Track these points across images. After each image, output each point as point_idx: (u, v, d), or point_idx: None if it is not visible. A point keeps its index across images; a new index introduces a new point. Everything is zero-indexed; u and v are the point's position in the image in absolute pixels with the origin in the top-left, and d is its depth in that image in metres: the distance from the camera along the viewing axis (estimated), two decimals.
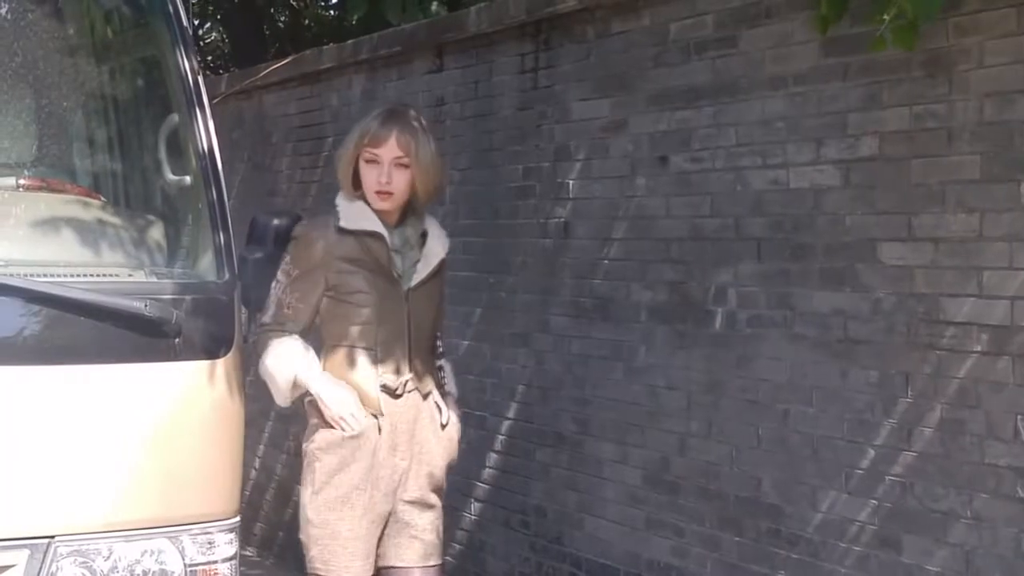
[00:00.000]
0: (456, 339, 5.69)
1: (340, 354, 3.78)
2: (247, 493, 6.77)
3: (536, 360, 5.24)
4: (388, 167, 3.78)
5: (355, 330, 3.76)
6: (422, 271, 3.86)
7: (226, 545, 3.37)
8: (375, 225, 3.78)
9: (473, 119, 5.57)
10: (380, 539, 3.83)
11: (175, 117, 3.64)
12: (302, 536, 3.78)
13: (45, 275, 3.24)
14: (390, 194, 3.79)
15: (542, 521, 5.23)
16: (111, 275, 3.38)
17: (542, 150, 5.18)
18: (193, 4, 3.94)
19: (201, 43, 11.55)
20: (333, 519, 3.71)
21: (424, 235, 3.91)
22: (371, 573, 3.78)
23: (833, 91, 3.96)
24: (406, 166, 3.80)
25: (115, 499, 3.21)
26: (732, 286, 4.33)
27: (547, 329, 5.17)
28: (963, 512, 3.63)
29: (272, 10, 10.38)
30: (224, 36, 11.68)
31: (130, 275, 3.42)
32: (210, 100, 3.67)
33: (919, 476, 3.74)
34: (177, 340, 3.32)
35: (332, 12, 10.49)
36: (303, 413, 3.91)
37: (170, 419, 3.31)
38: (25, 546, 3.11)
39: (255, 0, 9.80)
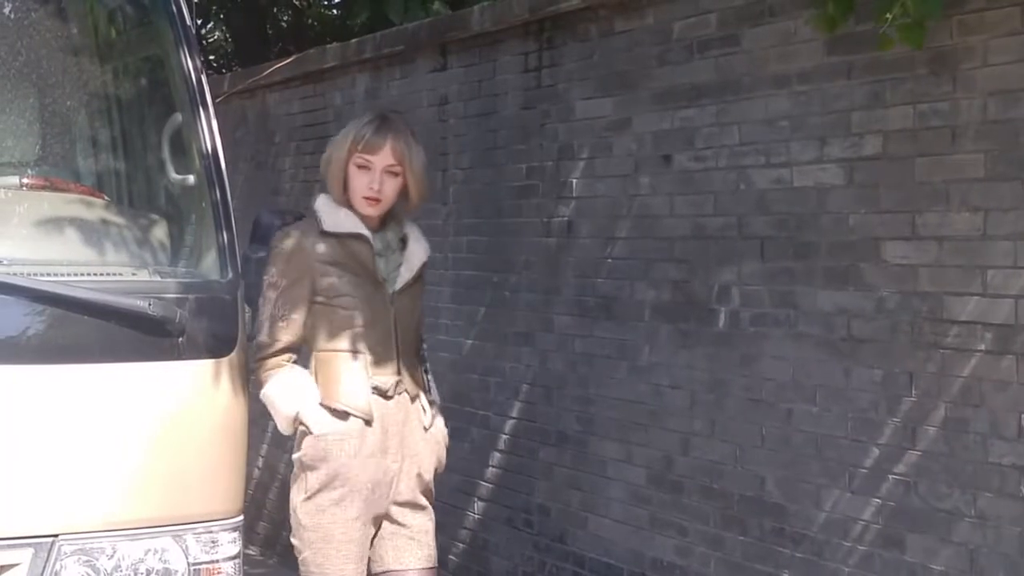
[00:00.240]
0: (459, 338, 5.69)
1: (329, 360, 3.76)
2: (250, 492, 6.77)
3: (540, 359, 5.24)
4: (380, 174, 3.79)
5: (343, 334, 3.74)
6: (405, 275, 3.86)
7: (229, 544, 3.37)
8: (359, 227, 3.78)
9: (476, 118, 5.57)
10: (372, 542, 3.82)
11: (178, 116, 3.64)
12: (294, 540, 3.76)
13: (49, 274, 3.24)
14: (378, 201, 3.79)
15: (546, 520, 5.23)
16: (115, 274, 3.38)
17: (545, 149, 5.18)
18: (196, 3, 3.93)
19: (204, 42, 11.54)
20: (326, 522, 3.70)
21: (404, 239, 3.91)
22: None
23: (837, 90, 3.96)
24: (397, 174, 3.81)
25: (119, 498, 3.21)
26: (736, 285, 4.33)
27: (551, 328, 5.17)
28: (967, 511, 3.62)
29: (275, 9, 10.38)
30: (227, 35, 11.68)
31: (134, 274, 3.42)
32: (213, 99, 3.67)
33: (923, 475, 3.74)
34: (181, 339, 3.32)
35: (335, 11, 10.49)
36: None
37: (173, 418, 3.32)
38: (29, 545, 3.11)
39: None
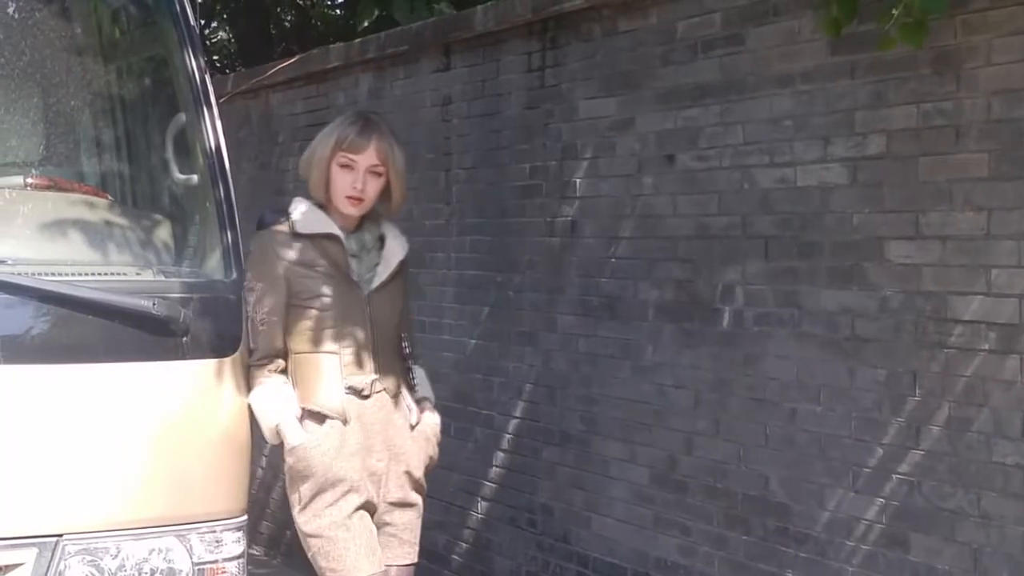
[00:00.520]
0: (463, 338, 5.69)
1: (305, 361, 3.76)
2: (254, 491, 6.78)
3: (543, 359, 5.24)
4: (363, 174, 3.79)
5: (318, 335, 3.74)
6: (382, 273, 3.86)
7: (234, 544, 3.38)
8: (331, 228, 3.79)
9: (480, 118, 5.57)
10: None
11: (182, 116, 3.65)
12: (309, 554, 3.75)
13: (53, 274, 3.25)
14: (361, 200, 3.80)
15: (549, 520, 5.23)
16: (119, 274, 3.39)
17: (549, 149, 5.18)
18: (200, 4, 3.93)
19: (208, 42, 11.54)
20: (326, 525, 3.70)
21: (382, 239, 3.92)
22: (382, 569, 3.76)
23: (841, 89, 3.96)
24: (380, 174, 3.82)
25: (123, 498, 3.22)
26: (739, 284, 4.33)
27: (554, 328, 5.17)
28: (971, 511, 3.62)
29: (279, 9, 10.38)
30: (231, 36, 11.68)
31: (138, 274, 3.43)
32: (217, 99, 3.68)
33: (927, 474, 3.74)
34: (185, 339, 3.33)
35: (339, 11, 10.49)
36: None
37: (177, 418, 3.32)
38: (33, 544, 3.12)
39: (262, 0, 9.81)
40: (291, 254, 3.75)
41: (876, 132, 3.86)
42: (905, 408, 3.80)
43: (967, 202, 3.62)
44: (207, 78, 3.65)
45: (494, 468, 5.55)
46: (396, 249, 3.93)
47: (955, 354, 3.66)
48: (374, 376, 3.79)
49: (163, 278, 3.44)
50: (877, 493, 3.88)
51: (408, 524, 3.87)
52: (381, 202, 3.91)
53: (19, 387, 3.14)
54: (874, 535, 3.89)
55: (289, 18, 10.60)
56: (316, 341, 3.75)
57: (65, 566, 3.14)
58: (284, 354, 3.77)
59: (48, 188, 3.67)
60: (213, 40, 12.00)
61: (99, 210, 3.64)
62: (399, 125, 5.96)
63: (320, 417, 3.71)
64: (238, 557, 3.39)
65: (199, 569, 3.31)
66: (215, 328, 3.42)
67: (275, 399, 3.70)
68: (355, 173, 3.79)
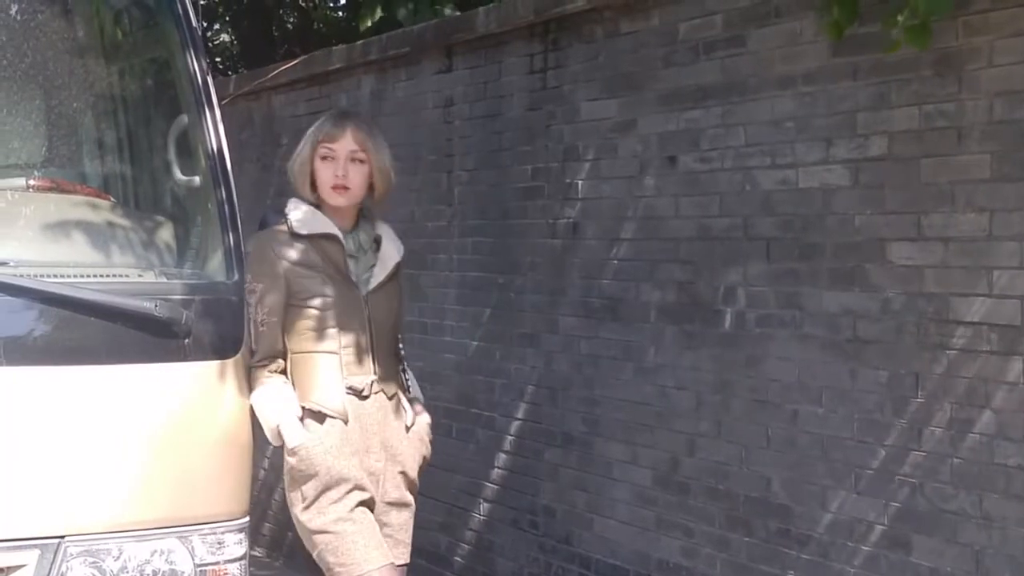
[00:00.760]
0: (465, 339, 5.69)
1: (304, 361, 3.76)
2: (256, 493, 6.78)
3: (545, 360, 5.24)
4: (344, 162, 3.81)
5: (317, 335, 3.75)
6: (379, 275, 3.87)
7: (236, 545, 3.37)
8: (330, 228, 3.80)
9: (482, 119, 5.58)
10: None
11: (184, 118, 3.65)
12: (315, 553, 3.74)
13: (55, 276, 3.24)
14: (347, 188, 3.81)
15: (551, 521, 5.23)
16: (121, 276, 3.39)
17: (551, 150, 5.18)
18: (202, 5, 3.93)
19: (210, 44, 11.55)
20: (331, 520, 3.70)
21: (378, 240, 3.92)
22: (391, 561, 3.76)
23: (842, 91, 3.96)
24: (362, 161, 3.83)
25: (125, 499, 3.22)
26: (741, 286, 4.33)
27: (556, 329, 5.17)
28: (973, 512, 3.62)
29: (281, 11, 10.39)
30: (233, 37, 11.69)
31: (140, 276, 3.43)
32: (219, 101, 3.68)
33: (929, 476, 3.74)
34: (187, 341, 3.33)
35: (341, 13, 10.49)
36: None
37: (179, 419, 3.32)
38: (35, 546, 3.11)
39: (264, 1, 9.81)
40: (290, 254, 3.76)
41: (878, 134, 3.86)
42: (907, 410, 3.80)
43: (969, 203, 3.62)
44: (209, 80, 3.65)
45: (496, 470, 5.55)
46: (392, 251, 3.94)
47: (957, 356, 3.66)
48: (373, 377, 3.80)
49: (165, 280, 3.44)
50: (879, 495, 3.88)
51: (403, 524, 3.89)
52: (371, 201, 3.92)
53: (21, 389, 3.14)
54: (876, 537, 3.89)
55: (291, 20, 10.61)
56: (315, 341, 3.75)
57: (67, 567, 3.14)
58: (284, 354, 3.78)
59: (50, 190, 3.68)
60: (215, 42, 12.01)
61: (101, 212, 3.64)
62: (401, 127, 6.00)
63: (321, 416, 3.72)
64: (240, 559, 3.38)
65: (201, 571, 3.30)
66: (217, 330, 3.42)
67: (276, 399, 3.70)
68: (336, 162, 3.81)
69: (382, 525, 3.83)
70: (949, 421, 3.68)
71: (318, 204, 3.85)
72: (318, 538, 3.71)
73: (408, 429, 3.90)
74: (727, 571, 4.40)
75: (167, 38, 3.74)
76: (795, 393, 4.14)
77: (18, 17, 3.76)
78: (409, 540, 3.91)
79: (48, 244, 3.45)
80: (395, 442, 3.85)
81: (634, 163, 4.77)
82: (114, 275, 3.38)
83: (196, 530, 3.30)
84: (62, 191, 3.70)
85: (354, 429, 3.74)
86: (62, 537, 3.14)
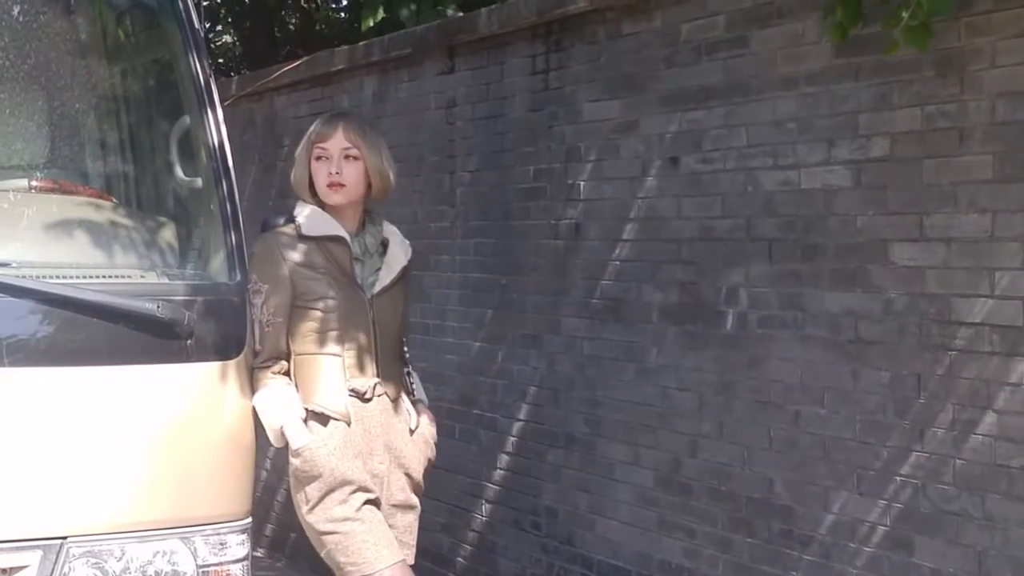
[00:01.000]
0: (467, 340, 5.69)
1: (308, 362, 3.76)
2: (258, 494, 6.78)
3: (547, 361, 5.24)
4: (337, 159, 3.81)
5: (321, 337, 3.75)
6: (384, 278, 3.87)
7: (238, 546, 3.37)
8: (337, 230, 3.80)
9: (484, 120, 5.58)
10: None
11: (186, 119, 3.65)
12: (324, 553, 3.73)
13: (58, 277, 3.25)
14: (342, 185, 3.81)
15: (553, 522, 5.23)
16: (123, 276, 3.39)
17: (553, 151, 5.18)
18: (205, 7, 3.93)
19: (212, 45, 11.56)
20: (340, 520, 3.69)
21: (384, 244, 3.93)
22: (402, 558, 3.75)
23: (845, 91, 3.96)
24: (356, 158, 3.83)
25: (127, 500, 3.22)
26: (743, 287, 4.33)
27: (558, 330, 5.17)
28: (975, 513, 3.62)
29: (283, 12, 10.39)
30: (235, 39, 11.70)
31: (142, 276, 3.43)
32: (221, 102, 3.68)
33: (931, 477, 3.74)
34: (189, 341, 3.33)
35: (343, 14, 10.49)
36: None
37: (182, 420, 3.32)
38: (38, 547, 3.12)
39: (266, 2, 9.81)
40: (296, 255, 3.76)
41: (880, 134, 3.86)
42: (909, 411, 3.80)
43: (971, 204, 3.62)
44: (211, 81, 3.65)
45: (498, 471, 5.55)
46: (399, 255, 3.94)
47: (959, 356, 3.66)
48: (376, 379, 3.80)
49: (167, 281, 3.44)
50: (881, 496, 3.87)
51: (409, 526, 3.89)
52: (373, 202, 3.92)
53: (24, 389, 3.14)
54: (878, 538, 3.88)
55: (293, 21, 10.61)
56: (319, 343, 3.75)
57: (69, 568, 3.14)
58: (287, 356, 3.78)
59: (52, 191, 3.68)
60: (218, 43, 12.02)
61: (103, 213, 3.64)
62: (403, 128, 6.00)
63: (324, 418, 3.72)
64: (242, 559, 3.39)
65: (203, 571, 3.31)
66: (219, 330, 3.42)
67: (279, 401, 3.70)
68: (330, 161, 3.82)
69: (389, 528, 3.83)
70: (951, 422, 3.68)
71: (321, 207, 3.85)
72: (328, 538, 3.71)
73: (412, 432, 3.91)
74: (729, 572, 4.40)
75: (169, 39, 3.75)
76: (797, 394, 4.14)
77: (21, 18, 3.77)
78: (414, 542, 3.91)
79: (50, 245, 3.45)
80: (399, 444, 3.85)
81: (636, 164, 4.77)
82: (116, 276, 3.38)
83: (198, 531, 3.30)
84: (64, 192, 3.70)
85: (357, 431, 3.74)
86: (64, 538, 3.14)
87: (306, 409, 3.72)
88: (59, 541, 3.13)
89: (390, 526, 3.82)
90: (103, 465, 3.19)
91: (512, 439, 5.46)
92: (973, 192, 3.61)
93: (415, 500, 3.92)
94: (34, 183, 3.67)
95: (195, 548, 3.30)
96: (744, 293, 4.33)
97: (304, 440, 3.69)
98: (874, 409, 3.90)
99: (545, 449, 5.26)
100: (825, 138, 4.02)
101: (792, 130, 4.13)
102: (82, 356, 3.22)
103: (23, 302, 3.17)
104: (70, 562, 3.14)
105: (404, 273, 3.95)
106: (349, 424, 3.73)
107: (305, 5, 10.31)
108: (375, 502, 3.77)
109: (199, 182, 3.62)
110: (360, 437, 3.75)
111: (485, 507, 5.64)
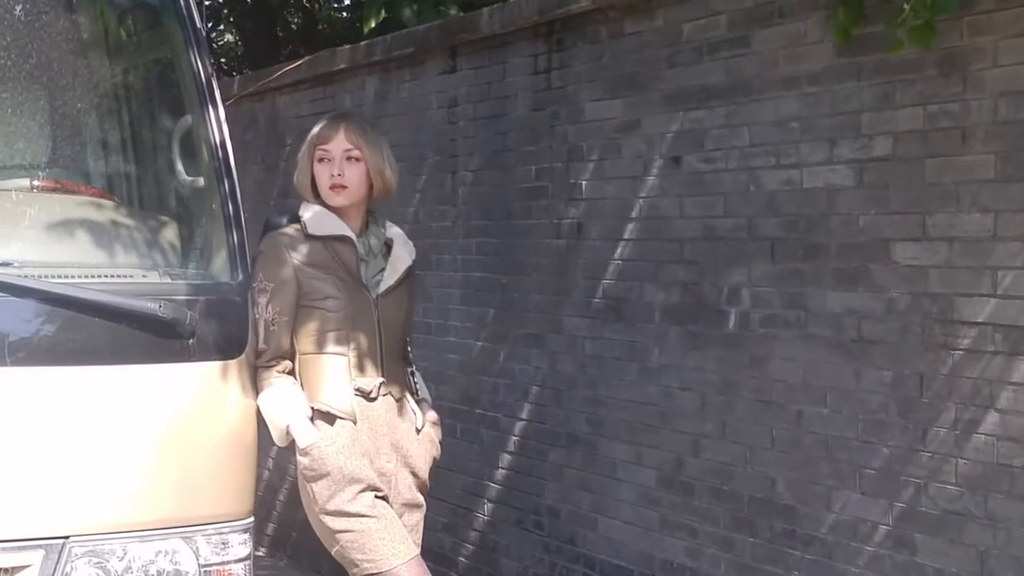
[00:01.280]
0: (469, 340, 5.69)
1: (313, 361, 3.76)
2: (260, 493, 6.78)
3: (549, 361, 5.24)
4: (339, 161, 3.81)
5: (327, 336, 3.75)
6: (389, 279, 3.87)
7: (240, 546, 3.38)
8: (344, 230, 3.80)
9: (486, 120, 5.58)
10: None
11: (188, 118, 3.65)
12: (338, 549, 3.72)
13: (60, 276, 3.25)
14: (344, 187, 3.81)
15: (555, 522, 5.23)
16: (125, 276, 3.39)
17: (555, 151, 5.18)
18: (207, 6, 3.94)
19: (214, 45, 11.56)
20: (354, 518, 3.69)
21: (389, 244, 3.93)
22: (416, 553, 3.75)
23: (847, 91, 3.95)
24: (358, 159, 3.83)
25: (129, 499, 3.22)
26: (745, 286, 4.33)
27: (560, 330, 5.17)
28: (978, 513, 3.62)
29: (285, 12, 10.39)
30: (237, 38, 11.70)
31: (144, 276, 3.43)
32: (223, 101, 3.68)
33: (933, 477, 3.74)
34: (191, 341, 3.33)
35: (345, 14, 10.49)
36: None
37: (183, 420, 3.32)
38: (40, 546, 3.12)
39: (268, 2, 9.81)
40: (302, 255, 3.76)
41: (882, 134, 3.85)
42: (912, 410, 3.79)
43: (974, 204, 3.61)
44: (213, 80, 3.66)
45: (500, 470, 5.55)
46: (403, 255, 3.94)
47: (962, 356, 3.65)
48: (380, 379, 3.80)
49: (169, 280, 3.44)
50: (884, 495, 3.87)
51: (415, 525, 3.90)
52: (376, 203, 3.93)
53: (26, 389, 3.15)
54: (880, 537, 3.88)
55: (296, 20, 10.61)
56: (324, 342, 3.75)
57: (71, 568, 3.14)
58: (292, 355, 3.78)
59: (54, 190, 3.69)
60: (220, 42, 12.02)
61: (105, 212, 3.64)
62: (405, 127, 6.00)
63: (330, 417, 3.72)
64: (244, 559, 3.39)
65: (205, 571, 3.31)
66: (221, 330, 3.42)
67: (286, 400, 3.70)
68: (332, 163, 3.82)
69: None
70: (953, 421, 3.68)
71: (325, 207, 3.86)
72: (342, 536, 3.70)
73: (419, 431, 3.91)
74: (731, 571, 4.40)
75: (171, 39, 3.75)
76: (799, 393, 4.14)
77: (23, 18, 3.77)
78: (419, 541, 3.91)
79: (52, 245, 3.45)
80: (405, 443, 3.86)
81: (638, 163, 4.77)
82: (118, 275, 3.38)
83: (200, 530, 3.30)
84: (66, 191, 3.71)
85: (363, 430, 3.75)
86: (67, 537, 3.14)
87: (312, 408, 3.73)
88: (61, 541, 3.14)
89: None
90: (105, 464, 3.20)
91: (514, 438, 5.46)
92: (975, 191, 3.61)
93: (421, 499, 3.93)
94: (36, 183, 3.67)
95: (197, 547, 3.30)
96: (746, 292, 4.33)
97: (313, 438, 3.69)
98: (876, 409, 3.89)
99: (547, 448, 5.26)
100: (827, 137, 4.02)
101: (794, 129, 4.13)
102: (84, 356, 3.22)
103: (25, 302, 3.18)
104: (72, 562, 3.14)
105: (408, 273, 3.96)
106: (355, 423, 3.74)
107: (307, 4, 10.31)
108: (385, 499, 3.77)
109: (201, 181, 3.62)
110: (366, 436, 3.75)
111: (487, 506, 5.64)
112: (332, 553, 3.76)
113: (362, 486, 3.70)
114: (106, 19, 4.04)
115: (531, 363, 5.34)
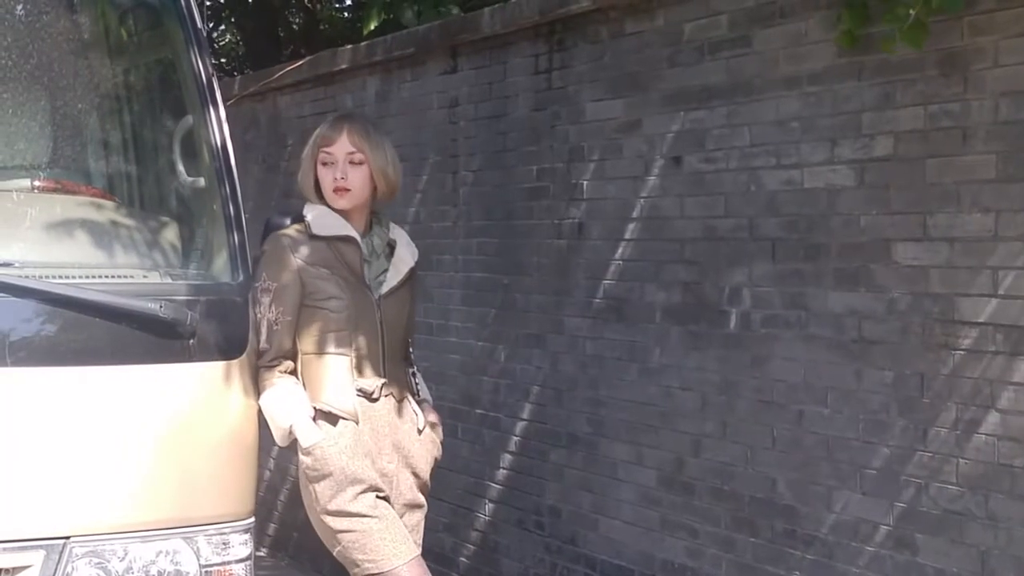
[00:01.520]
0: (470, 340, 5.69)
1: (315, 361, 3.77)
2: (261, 493, 6.78)
3: (550, 361, 5.24)
4: (343, 164, 3.82)
5: (329, 336, 3.75)
6: (391, 280, 3.88)
7: (241, 546, 3.38)
8: (348, 230, 3.80)
9: (487, 120, 5.58)
10: None
11: (189, 119, 3.65)
12: (339, 549, 3.72)
13: (60, 277, 3.25)
14: (347, 190, 3.82)
15: (556, 522, 5.23)
16: (126, 276, 3.39)
17: (556, 151, 5.18)
18: (208, 6, 3.94)
19: (215, 45, 11.56)
20: (356, 518, 3.70)
21: (391, 245, 3.93)
22: (418, 554, 3.76)
23: (847, 91, 3.95)
24: (361, 162, 3.84)
25: (130, 500, 3.22)
26: (746, 286, 4.33)
27: (561, 330, 5.17)
28: (979, 513, 3.62)
29: (286, 12, 10.39)
30: (238, 38, 11.70)
31: (145, 276, 3.44)
32: (224, 102, 3.68)
33: (934, 477, 3.73)
34: (192, 341, 3.33)
35: (346, 14, 10.49)
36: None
37: (184, 420, 3.32)
38: (41, 547, 3.12)
39: (269, 2, 9.81)
40: (306, 255, 3.76)
41: (883, 134, 3.85)
42: (912, 410, 3.79)
43: (974, 204, 3.61)
44: (214, 80, 3.66)
45: (501, 470, 5.55)
46: (406, 256, 3.95)
47: (962, 356, 3.65)
48: (382, 380, 3.81)
49: (170, 280, 3.44)
50: (884, 495, 3.87)
51: (416, 525, 3.91)
52: (380, 204, 3.93)
53: (27, 389, 3.15)
54: (881, 537, 3.88)
55: (297, 21, 10.61)
56: (327, 342, 3.76)
57: (72, 568, 3.14)
58: (294, 355, 3.78)
59: (55, 191, 3.69)
60: (221, 43, 12.02)
61: (106, 212, 3.65)
62: (406, 127, 6.00)
63: (333, 417, 3.72)
64: (245, 559, 3.39)
65: (206, 571, 3.31)
66: (222, 330, 3.42)
67: (288, 400, 3.71)
68: (335, 165, 3.83)
69: None
70: (954, 421, 3.68)
71: (329, 208, 3.86)
72: (344, 536, 3.70)
73: (420, 432, 3.91)
74: (732, 572, 4.40)
75: (172, 39, 3.75)
76: (800, 394, 4.14)
77: (23, 18, 3.77)
78: (420, 541, 3.92)
79: (53, 245, 3.45)
80: (407, 444, 3.86)
81: (639, 163, 4.77)
82: (119, 276, 3.38)
83: (201, 531, 3.30)
84: (67, 192, 3.71)
85: (365, 431, 3.75)
86: (67, 538, 3.14)
87: (314, 408, 3.73)
88: (62, 541, 3.14)
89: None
90: (106, 465, 3.20)
91: (515, 439, 5.46)
92: (976, 191, 3.61)
93: (422, 499, 3.93)
94: (37, 183, 3.67)
95: (198, 548, 3.30)
96: (747, 293, 4.33)
97: (315, 438, 3.69)
98: (877, 409, 3.89)
99: (548, 449, 5.26)
100: (828, 137, 4.02)
101: (795, 129, 4.13)
102: (85, 356, 3.22)
103: (26, 302, 3.18)
104: (73, 562, 3.14)
105: (411, 275, 3.96)
106: (357, 423, 3.74)
107: (308, 5, 10.31)
108: (386, 500, 3.77)
109: (202, 182, 3.62)
110: (368, 436, 3.75)
111: (488, 507, 5.64)
112: (333, 553, 3.76)
113: (364, 486, 3.71)
114: (107, 19, 4.04)
115: (532, 363, 5.34)
